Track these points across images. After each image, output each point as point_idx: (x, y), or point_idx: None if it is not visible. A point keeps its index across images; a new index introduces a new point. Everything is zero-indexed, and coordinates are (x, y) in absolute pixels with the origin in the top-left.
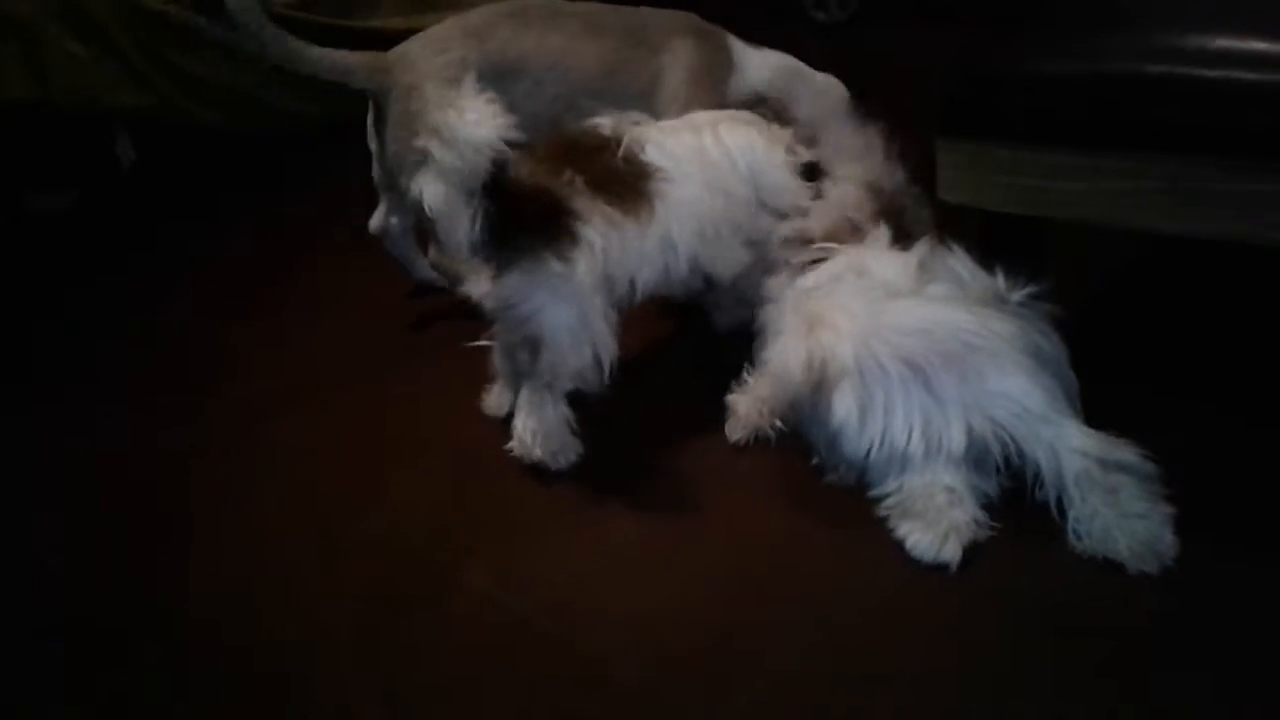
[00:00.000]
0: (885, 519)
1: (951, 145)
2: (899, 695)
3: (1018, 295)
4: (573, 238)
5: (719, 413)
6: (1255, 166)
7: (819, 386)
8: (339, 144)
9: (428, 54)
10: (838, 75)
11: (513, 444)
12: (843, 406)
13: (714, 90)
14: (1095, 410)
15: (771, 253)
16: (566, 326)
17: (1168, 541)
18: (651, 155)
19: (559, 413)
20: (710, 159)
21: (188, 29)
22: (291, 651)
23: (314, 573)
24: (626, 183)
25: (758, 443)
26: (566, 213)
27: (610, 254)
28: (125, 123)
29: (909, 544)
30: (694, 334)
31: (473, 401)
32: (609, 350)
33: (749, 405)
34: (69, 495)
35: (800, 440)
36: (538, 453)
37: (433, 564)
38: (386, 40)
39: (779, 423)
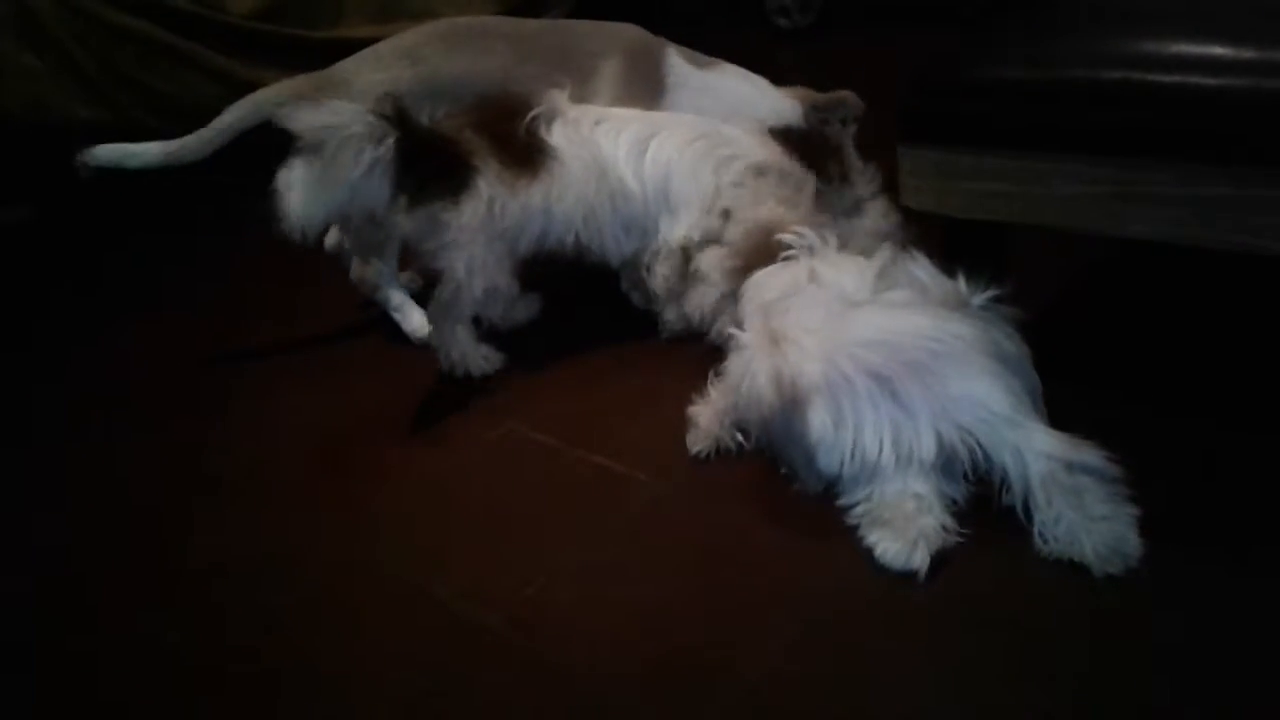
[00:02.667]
0: (854, 527)
1: (912, 152)
2: (868, 701)
3: (979, 299)
4: (465, 185)
5: (680, 423)
6: (1212, 171)
7: (792, 405)
8: None
9: (364, 71)
10: (801, 81)
11: (444, 365)
12: (819, 423)
13: None
14: (1059, 413)
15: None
16: (461, 263)
17: (1132, 543)
18: (554, 133)
19: (465, 331)
20: (603, 151)
21: (146, 42)
22: (255, 662)
23: (278, 588)
24: (521, 150)
25: (721, 454)
26: (463, 163)
27: (501, 206)
28: (85, 136)
29: (878, 552)
30: (653, 343)
31: (439, 419)
32: (503, 289)
33: (710, 417)
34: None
35: (765, 451)
36: (464, 369)
37: (399, 577)
38: (350, 51)
39: (739, 435)
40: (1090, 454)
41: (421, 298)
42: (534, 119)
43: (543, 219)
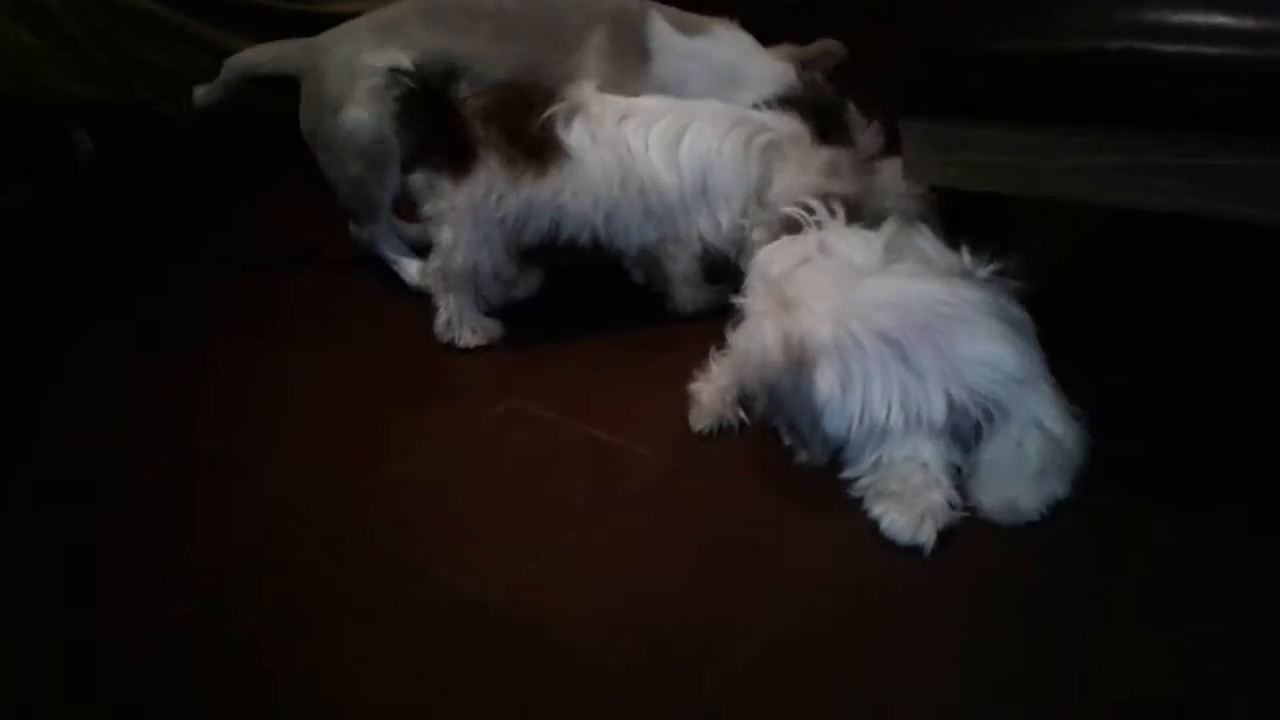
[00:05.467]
0: (859, 500)
1: (914, 124)
2: (873, 675)
3: (983, 272)
4: (465, 168)
5: (683, 400)
6: (1215, 141)
7: (800, 366)
8: None
9: (342, 42)
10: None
11: (438, 331)
12: (826, 384)
13: (625, 84)
14: (1061, 383)
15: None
16: (448, 237)
17: (1029, 508)
18: (573, 132)
19: (460, 300)
20: (630, 149)
21: (144, 18)
22: (255, 646)
23: (274, 566)
24: (534, 146)
25: (723, 430)
26: (470, 149)
27: (499, 196)
28: (83, 113)
29: (884, 525)
30: (655, 321)
31: (440, 395)
32: (488, 270)
33: (712, 394)
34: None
35: (767, 425)
36: (450, 336)
37: (398, 555)
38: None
39: (742, 412)
40: (1072, 435)
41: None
42: (552, 116)
43: (552, 213)
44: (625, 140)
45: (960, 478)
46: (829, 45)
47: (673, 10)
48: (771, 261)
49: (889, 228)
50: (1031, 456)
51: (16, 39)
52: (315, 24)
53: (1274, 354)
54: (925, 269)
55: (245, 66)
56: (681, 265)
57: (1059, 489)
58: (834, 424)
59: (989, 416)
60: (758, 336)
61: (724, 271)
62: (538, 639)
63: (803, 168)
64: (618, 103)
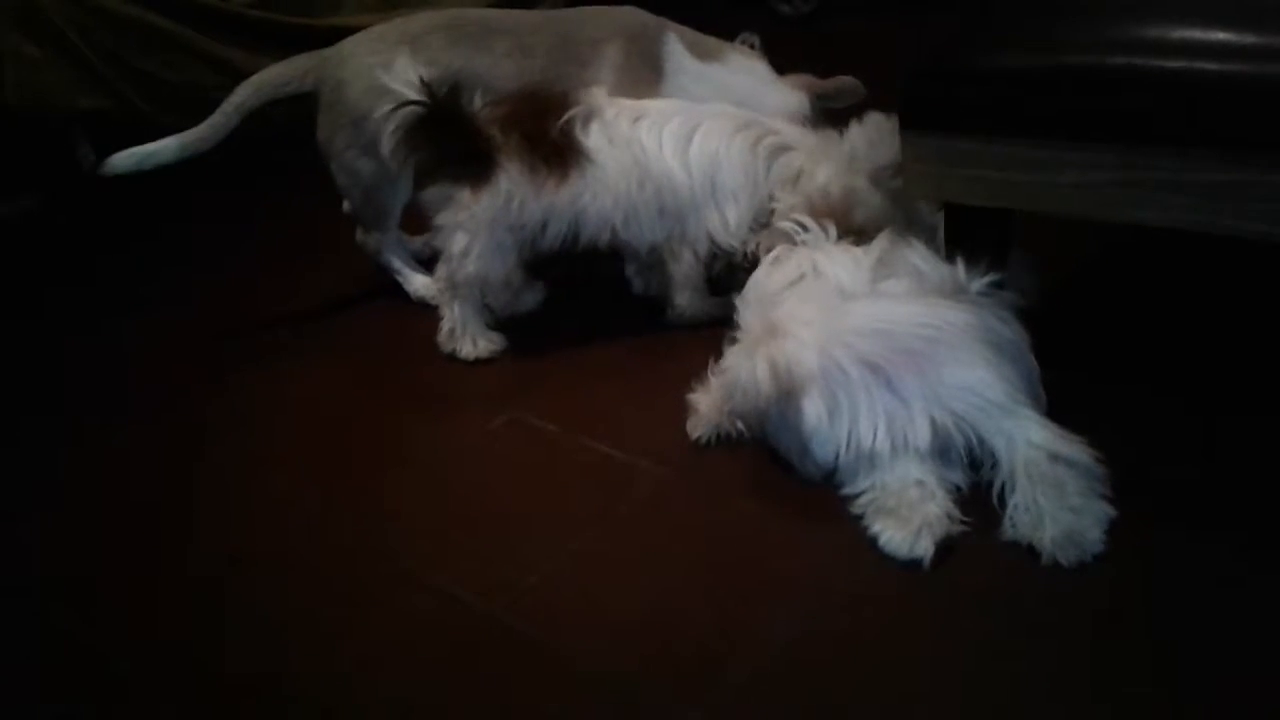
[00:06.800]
0: (859, 516)
1: (915, 138)
2: (873, 690)
3: (978, 285)
4: (485, 178)
5: (682, 410)
6: (1216, 156)
7: (788, 395)
8: (308, 143)
9: (361, 52)
10: (805, 69)
11: (440, 340)
12: (813, 412)
13: (637, 99)
14: (1059, 397)
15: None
16: (461, 247)
17: (1091, 538)
18: (591, 134)
19: (465, 311)
20: (645, 149)
21: (148, 31)
22: (256, 654)
23: (273, 575)
24: (555, 151)
25: (722, 440)
26: (489, 158)
27: (520, 203)
28: (86, 126)
29: (882, 541)
30: (656, 331)
31: (442, 407)
32: (496, 280)
33: (710, 403)
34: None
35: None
36: (452, 346)
37: (400, 567)
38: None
39: (740, 423)
40: (1077, 449)
41: (429, 263)
42: (569, 120)
43: (572, 218)
44: (640, 141)
45: (960, 495)
46: (846, 83)
47: (690, 32)
48: (766, 278)
49: (881, 243)
50: (1055, 483)
51: (20, 52)
52: (319, 38)
53: (1272, 365)
54: (915, 287)
55: (271, 89)
56: (685, 265)
57: (1107, 508)
58: (822, 450)
59: (976, 442)
60: (747, 365)
61: (724, 284)
62: (539, 648)
63: (829, 175)
64: (630, 105)
